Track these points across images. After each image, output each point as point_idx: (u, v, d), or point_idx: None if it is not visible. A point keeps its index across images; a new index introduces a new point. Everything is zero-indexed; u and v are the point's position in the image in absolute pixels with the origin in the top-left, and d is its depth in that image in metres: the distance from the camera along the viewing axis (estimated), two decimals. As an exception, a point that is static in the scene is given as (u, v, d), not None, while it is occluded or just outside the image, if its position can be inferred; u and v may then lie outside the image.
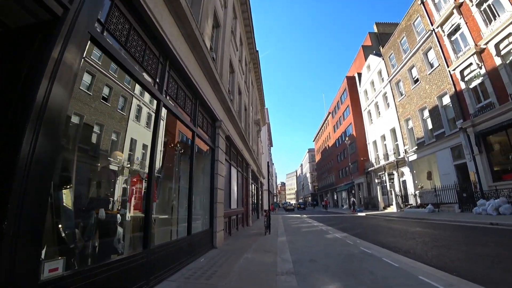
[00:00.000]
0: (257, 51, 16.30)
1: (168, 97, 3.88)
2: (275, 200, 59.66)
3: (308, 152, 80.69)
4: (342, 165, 37.10)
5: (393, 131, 22.27)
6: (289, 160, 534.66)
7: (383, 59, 23.13)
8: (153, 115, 3.49)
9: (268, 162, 10.70)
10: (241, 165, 11.75)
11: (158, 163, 3.72)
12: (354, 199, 26.71)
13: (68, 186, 2.60)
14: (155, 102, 3.52)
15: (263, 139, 32.41)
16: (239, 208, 10.49)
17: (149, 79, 3.38)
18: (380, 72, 24.25)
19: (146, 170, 3.34)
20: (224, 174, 7.25)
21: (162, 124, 3.86)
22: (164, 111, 3.80)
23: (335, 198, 42.07)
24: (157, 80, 3.59)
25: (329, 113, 45.98)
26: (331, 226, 11.64)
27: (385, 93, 23.19)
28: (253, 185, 16.38)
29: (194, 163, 4.96)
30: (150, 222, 3.19)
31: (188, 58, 4.45)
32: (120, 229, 3.40)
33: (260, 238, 7.85)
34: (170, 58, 3.90)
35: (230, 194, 8.97)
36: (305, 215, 22.50)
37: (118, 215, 3.42)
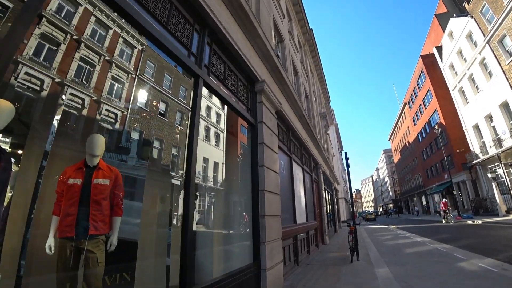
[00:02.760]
0: (311, 29, 13.27)
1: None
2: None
3: (383, 153, 69.19)
4: (431, 162, 30.67)
5: (504, 106, 16.51)
6: (362, 165, 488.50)
7: (471, 17, 18.03)
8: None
9: (347, 160, 7.52)
10: (308, 163, 8.79)
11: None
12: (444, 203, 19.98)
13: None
14: None
15: (332, 141, 28.13)
16: (310, 222, 7.47)
17: None
18: (470, 36, 19.09)
19: None
20: (278, 170, 4.58)
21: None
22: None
23: (424, 203, 36.08)
24: None
25: (405, 104, 38.91)
26: (444, 242, 7.69)
27: (483, 59, 17.84)
28: (326, 191, 12.95)
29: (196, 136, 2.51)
30: None
31: None
32: None
33: (345, 271, 4.83)
34: None
35: (294, 202, 6.15)
36: (392, 226, 18.77)
37: None
